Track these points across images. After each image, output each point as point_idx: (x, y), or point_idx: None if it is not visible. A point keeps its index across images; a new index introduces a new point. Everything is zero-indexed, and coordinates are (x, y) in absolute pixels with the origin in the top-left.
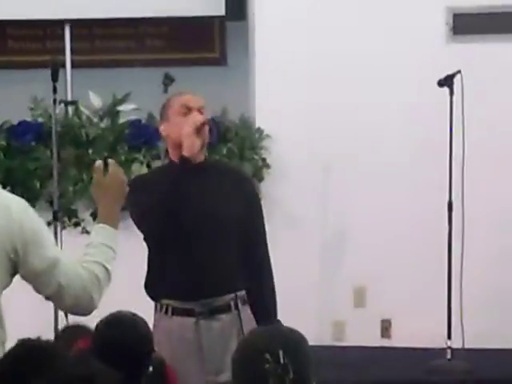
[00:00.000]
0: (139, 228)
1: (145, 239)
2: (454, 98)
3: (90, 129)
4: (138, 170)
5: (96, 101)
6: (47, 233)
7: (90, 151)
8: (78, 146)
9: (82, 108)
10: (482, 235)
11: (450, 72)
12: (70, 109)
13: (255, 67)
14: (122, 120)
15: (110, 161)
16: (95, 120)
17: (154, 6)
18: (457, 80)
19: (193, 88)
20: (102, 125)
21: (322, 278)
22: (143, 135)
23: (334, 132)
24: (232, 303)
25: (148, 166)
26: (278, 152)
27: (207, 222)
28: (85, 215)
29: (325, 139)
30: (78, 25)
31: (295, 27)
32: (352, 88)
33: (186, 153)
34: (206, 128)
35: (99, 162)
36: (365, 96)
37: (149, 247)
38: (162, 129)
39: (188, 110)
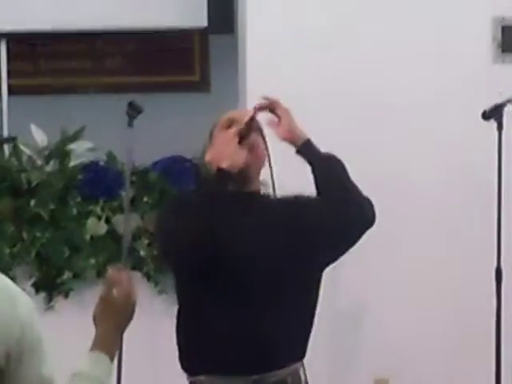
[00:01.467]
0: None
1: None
2: (504, 133)
3: (32, 173)
4: (94, 226)
5: (40, 137)
6: (46, 344)
7: (33, 202)
8: (16, 196)
9: (21, 147)
10: None
11: (499, 101)
12: (7, 148)
13: (246, 94)
14: (73, 162)
15: (122, 273)
16: (39, 162)
17: (116, 18)
18: (508, 111)
19: (166, 120)
20: (48, 168)
21: (332, 370)
22: (101, 182)
23: None
24: (289, 379)
25: (107, 221)
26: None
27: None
28: (25, 285)
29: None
30: (16, 40)
31: (297, 42)
32: (372, 124)
33: (224, 163)
34: (257, 142)
35: (112, 272)
36: (387, 133)
37: (181, 300)
38: (207, 155)
39: (232, 123)
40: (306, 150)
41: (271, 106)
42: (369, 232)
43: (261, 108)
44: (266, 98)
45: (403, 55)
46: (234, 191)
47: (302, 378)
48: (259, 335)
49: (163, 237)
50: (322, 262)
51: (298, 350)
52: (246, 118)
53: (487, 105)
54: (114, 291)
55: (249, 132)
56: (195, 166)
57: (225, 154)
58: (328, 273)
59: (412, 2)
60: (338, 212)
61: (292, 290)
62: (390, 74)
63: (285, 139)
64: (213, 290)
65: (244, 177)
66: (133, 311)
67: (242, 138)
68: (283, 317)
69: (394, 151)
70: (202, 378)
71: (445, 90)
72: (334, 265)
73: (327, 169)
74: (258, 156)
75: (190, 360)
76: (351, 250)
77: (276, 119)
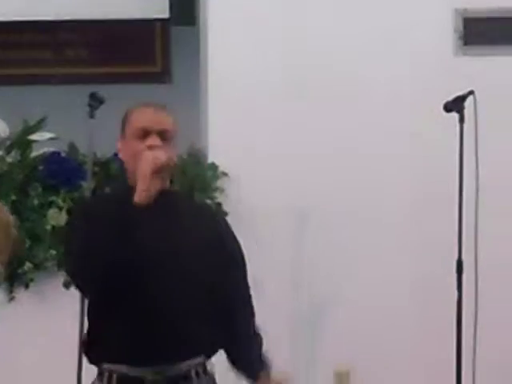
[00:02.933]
0: (78, 270)
1: (84, 286)
2: (465, 125)
3: None
4: (56, 217)
5: (1, 128)
6: None
7: None
8: None
9: None
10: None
11: (460, 93)
12: None
13: (207, 85)
14: (34, 153)
15: None
16: (0, 153)
17: (77, 7)
18: (468, 103)
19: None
20: (9, 159)
21: (294, 362)
22: (62, 172)
23: (313, 172)
24: (193, 371)
25: (69, 212)
26: (238, 195)
27: (170, 268)
28: None
29: (300, 180)
30: None
31: (262, 33)
32: (336, 114)
33: (138, 198)
34: (170, 161)
35: None
36: (351, 125)
37: (89, 297)
38: (119, 146)
39: (146, 133)
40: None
41: None
42: (335, 224)
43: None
44: None
45: (364, 46)
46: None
47: (208, 371)
48: (158, 327)
49: (73, 243)
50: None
51: (201, 344)
52: (161, 161)
53: (449, 97)
54: None
55: (161, 169)
56: None
57: (139, 187)
58: (290, 269)
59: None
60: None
61: (192, 287)
62: (349, 65)
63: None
64: (117, 288)
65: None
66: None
67: (156, 172)
68: (182, 311)
69: (355, 143)
70: (106, 365)
71: (406, 82)
72: (297, 257)
73: None
74: (169, 167)
75: (95, 350)
76: (316, 243)
77: None
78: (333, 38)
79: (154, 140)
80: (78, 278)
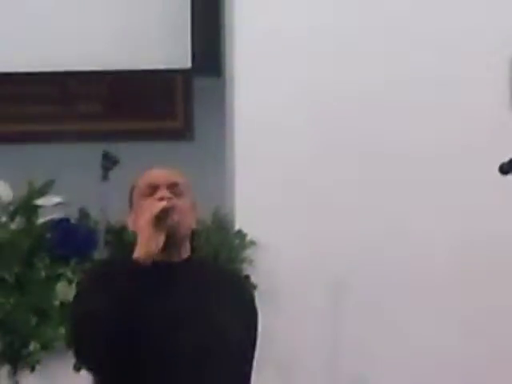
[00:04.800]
0: (76, 340)
1: (84, 360)
2: None
3: None
4: (65, 291)
5: (5, 191)
6: None
7: None
8: None
9: None
10: None
11: None
12: None
13: (234, 142)
14: (41, 219)
15: None
16: (3, 219)
17: (90, 58)
18: None
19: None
20: (14, 226)
21: None
22: (72, 241)
23: (349, 240)
24: None
25: (78, 284)
26: (268, 266)
27: (181, 342)
28: None
29: (335, 248)
30: None
31: (291, 84)
32: (372, 175)
33: (137, 253)
34: (182, 215)
35: None
36: (389, 187)
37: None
38: (129, 222)
39: (153, 189)
40: None
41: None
42: (374, 295)
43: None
44: None
45: (415, 103)
46: (156, 263)
47: None
48: None
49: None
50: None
51: None
52: (161, 206)
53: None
54: None
55: (166, 214)
56: None
57: (139, 241)
58: (325, 345)
59: (424, 48)
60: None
61: (216, 368)
62: (400, 124)
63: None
64: (132, 365)
65: (167, 246)
66: None
67: (160, 220)
68: None
69: (401, 208)
70: None
71: (459, 140)
72: (333, 332)
73: None
74: (183, 222)
75: None
76: (353, 317)
77: None
78: (368, 90)
79: (163, 192)
80: (77, 351)
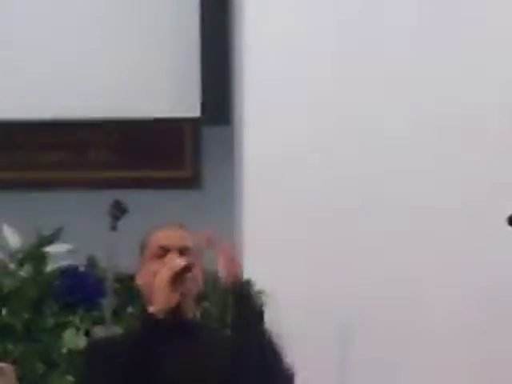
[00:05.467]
0: None
1: None
2: None
3: (4, 279)
4: (73, 339)
5: (13, 239)
6: None
7: (4, 311)
8: None
9: None
10: None
11: None
12: None
13: (242, 191)
14: (50, 267)
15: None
16: (12, 266)
17: (98, 106)
18: None
19: (154, 220)
20: (22, 273)
21: None
22: (81, 289)
23: (357, 286)
24: None
25: (87, 333)
26: (277, 316)
27: None
28: None
29: (346, 297)
30: None
31: (303, 135)
32: (381, 228)
33: (152, 308)
34: (194, 276)
35: None
36: (398, 241)
37: None
38: (138, 278)
39: (165, 251)
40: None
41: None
42: (381, 335)
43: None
44: (208, 237)
45: (423, 158)
46: (165, 323)
47: None
48: None
49: None
50: None
51: None
52: (181, 265)
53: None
54: None
55: (184, 271)
56: None
57: (155, 298)
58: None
59: (426, 104)
60: None
61: None
62: (402, 174)
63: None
64: None
65: (177, 309)
66: None
67: (178, 277)
68: None
69: (406, 255)
70: None
71: (466, 195)
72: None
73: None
74: (193, 287)
75: None
76: (362, 360)
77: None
78: (375, 137)
79: (176, 255)
80: None
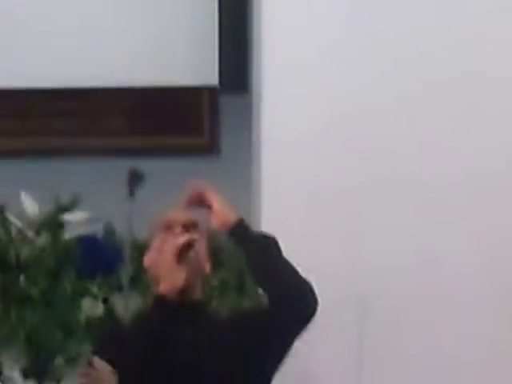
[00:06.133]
0: None
1: None
2: None
3: (21, 247)
4: (91, 307)
5: (31, 207)
6: None
7: (22, 279)
8: (4, 271)
9: (10, 217)
10: None
11: None
12: None
13: (260, 159)
14: (67, 235)
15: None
16: (30, 234)
17: (114, 74)
18: None
19: (171, 187)
20: (40, 242)
21: None
22: (99, 257)
23: (374, 258)
24: None
25: (105, 301)
26: None
27: None
28: (12, 372)
29: (360, 266)
30: (3, 97)
31: (320, 100)
32: (402, 203)
33: (162, 288)
34: (199, 252)
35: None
36: (420, 214)
37: None
38: (146, 261)
39: (169, 227)
40: (238, 230)
41: (199, 198)
42: (399, 312)
43: (190, 204)
44: (194, 192)
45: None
46: (172, 303)
47: None
48: None
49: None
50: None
51: None
52: (181, 241)
53: None
54: None
55: (188, 248)
56: None
57: (162, 276)
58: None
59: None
60: (277, 318)
61: None
62: (432, 149)
63: (220, 227)
64: None
65: (184, 289)
66: None
67: (182, 254)
68: None
69: (428, 228)
70: None
71: (480, 164)
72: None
73: (260, 254)
74: (199, 264)
75: None
76: (379, 335)
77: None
78: (406, 110)
79: (179, 229)
80: None
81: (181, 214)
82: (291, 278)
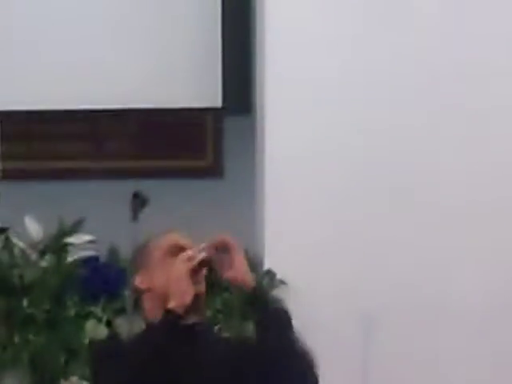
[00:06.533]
0: None
1: None
2: None
3: (25, 269)
4: (94, 330)
5: (35, 229)
6: None
7: (25, 302)
8: (7, 294)
9: (14, 239)
10: None
11: None
12: None
13: (264, 181)
14: (71, 257)
15: None
16: (33, 257)
17: (118, 96)
18: None
19: (175, 209)
20: (43, 264)
21: None
22: (102, 279)
23: (380, 276)
24: None
25: (108, 324)
26: (299, 307)
27: None
28: None
29: (366, 285)
30: (8, 120)
31: (325, 121)
32: (407, 218)
33: (173, 303)
34: (203, 274)
35: None
36: (424, 228)
37: None
38: (140, 281)
39: (180, 249)
40: (254, 297)
41: (223, 247)
42: (405, 325)
43: (213, 249)
44: (220, 239)
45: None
46: (177, 324)
47: None
48: None
49: None
50: None
51: None
52: (201, 256)
53: None
54: None
55: (201, 269)
56: None
57: (172, 292)
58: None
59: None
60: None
61: None
62: (432, 163)
63: (234, 283)
64: None
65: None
66: None
67: (195, 272)
68: None
69: (433, 243)
70: None
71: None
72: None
73: (270, 325)
74: (200, 287)
75: None
76: (384, 351)
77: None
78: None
79: (192, 251)
80: None
81: (189, 240)
82: (295, 355)
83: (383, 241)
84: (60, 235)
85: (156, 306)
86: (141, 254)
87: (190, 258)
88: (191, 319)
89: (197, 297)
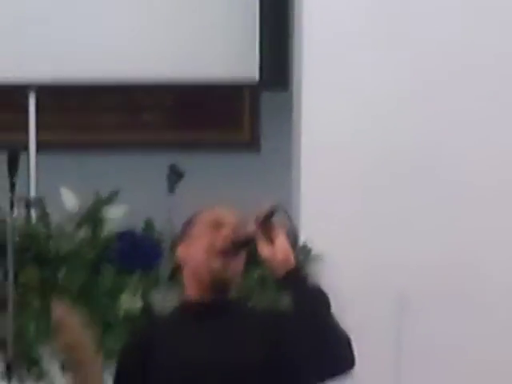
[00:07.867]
0: None
1: None
2: None
3: (61, 241)
4: (129, 302)
5: (71, 201)
6: None
7: (61, 274)
8: (43, 266)
9: (50, 211)
10: None
11: None
12: (34, 212)
13: (300, 156)
14: (107, 230)
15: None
16: (69, 229)
17: (154, 68)
18: None
19: (211, 183)
20: (79, 236)
21: None
22: (137, 253)
23: (414, 253)
24: None
25: (144, 297)
26: (334, 281)
27: None
28: (51, 366)
29: (400, 262)
30: (46, 92)
31: (361, 98)
32: (442, 198)
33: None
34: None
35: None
36: (459, 211)
37: None
38: (181, 250)
39: (219, 225)
40: (294, 276)
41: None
42: (438, 302)
43: (260, 226)
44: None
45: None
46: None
47: None
48: None
49: None
50: None
51: None
52: (247, 233)
53: None
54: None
55: (242, 246)
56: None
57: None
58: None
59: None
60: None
61: None
62: (473, 150)
63: (272, 262)
64: None
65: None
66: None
67: (239, 246)
68: None
69: (466, 224)
70: None
71: None
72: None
73: (309, 307)
74: (241, 265)
75: None
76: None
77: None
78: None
79: (227, 232)
80: None
81: (232, 215)
82: (333, 336)
83: (419, 223)
84: (96, 207)
85: (194, 284)
86: (185, 224)
87: (225, 238)
88: (223, 296)
89: (233, 274)
